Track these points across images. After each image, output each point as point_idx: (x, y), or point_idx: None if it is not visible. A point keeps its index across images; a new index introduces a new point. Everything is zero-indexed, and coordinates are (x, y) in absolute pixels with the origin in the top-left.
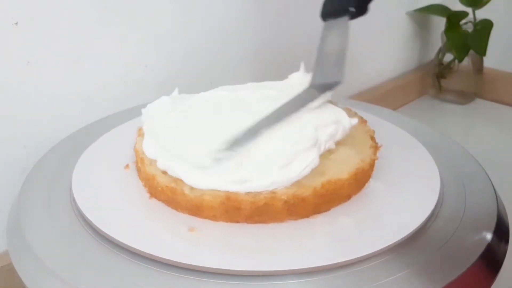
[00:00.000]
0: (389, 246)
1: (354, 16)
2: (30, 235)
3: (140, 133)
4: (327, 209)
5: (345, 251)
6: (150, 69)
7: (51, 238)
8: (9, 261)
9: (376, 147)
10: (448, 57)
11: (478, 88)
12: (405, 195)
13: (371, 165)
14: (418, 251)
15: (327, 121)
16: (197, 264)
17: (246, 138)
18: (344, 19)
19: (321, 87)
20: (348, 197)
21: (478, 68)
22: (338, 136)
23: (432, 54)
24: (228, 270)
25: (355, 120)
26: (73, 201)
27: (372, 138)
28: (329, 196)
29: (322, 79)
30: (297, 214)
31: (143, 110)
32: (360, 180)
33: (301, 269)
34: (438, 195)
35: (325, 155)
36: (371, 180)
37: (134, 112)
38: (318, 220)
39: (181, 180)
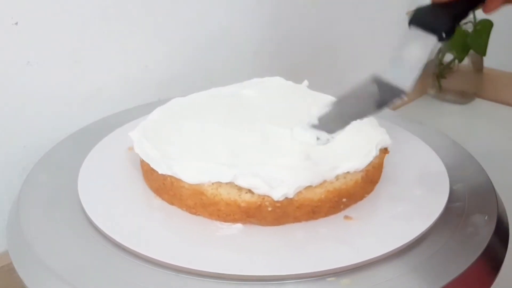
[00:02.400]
0: (392, 251)
1: (442, 40)
2: (30, 235)
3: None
4: (328, 214)
5: (347, 256)
6: (150, 69)
7: (51, 238)
8: (9, 261)
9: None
10: (448, 57)
11: (478, 88)
12: (412, 198)
13: (377, 170)
14: (418, 251)
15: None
16: (199, 269)
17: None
18: (432, 38)
19: (384, 87)
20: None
21: (478, 68)
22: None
23: (432, 54)
24: (231, 275)
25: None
26: (76, 202)
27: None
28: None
29: (390, 78)
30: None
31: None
32: (364, 186)
33: (302, 273)
34: (446, 200)
35: None
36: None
37: (134, 112)
38: (321, 224)
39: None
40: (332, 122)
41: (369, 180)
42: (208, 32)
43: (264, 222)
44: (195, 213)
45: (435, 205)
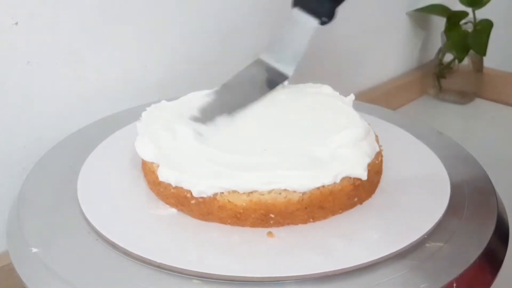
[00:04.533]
0: (394, 253)
1: (324, 23)
2: (30, 235)
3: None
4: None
5: (348, 258)
6: (150, 69)
7: (51, 238)
8: (9, 261)
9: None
10: (448, 57)
11: (478, 88)
12: (413, 200)
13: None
14: (418, 251)
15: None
16: (198, 271)
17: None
18: (313, 22)
19: (269, 70)
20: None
21: (478, 68)
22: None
23: (432, 54)
24: (230, 276)
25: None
26: (76, 202)
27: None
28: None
29: (272, 59)
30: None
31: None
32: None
33: (301, 275)
34: (448, 201)
35: None
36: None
37: (134, 112)
38: (243, 232)
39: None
40: (213, 112)
41: (314, 206)
42: (208, 32)
43: (191, 213)
44: (151, 189)
45: (435, 209)
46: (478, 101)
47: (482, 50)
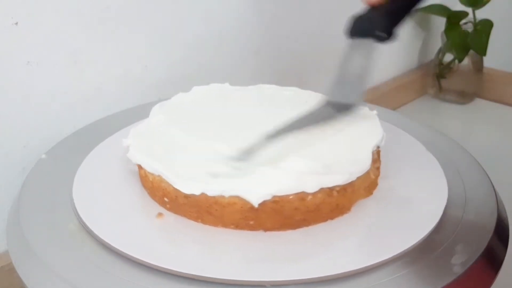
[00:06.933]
0: (395, 256)
1: (381, 40)
2: (30, 235)
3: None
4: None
5: (350, 262)
6: (150, 69)
7: (51, 238)
8: (9, 261)
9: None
10: (448, 57)
11: (478, 88)
12: (412, 200)
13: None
14: (418, 251)
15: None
16: (195, 273)
17: (259, 148)
18: (370, 42)
19: (337, 107)
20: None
21: (478, 68)
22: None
23: (432, 54)
24: (228, 279)
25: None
26: (72, 204)
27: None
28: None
29: (339, 97)
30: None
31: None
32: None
33: (303, 279)
34: (447, 201)
35: None
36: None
37: (134, 112)
38: (322, 230)
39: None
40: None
41: (201, 208)
42: (208, 32)
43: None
44: None
45: (433, 211)
46: (478, 101)
47: (482, 50)
